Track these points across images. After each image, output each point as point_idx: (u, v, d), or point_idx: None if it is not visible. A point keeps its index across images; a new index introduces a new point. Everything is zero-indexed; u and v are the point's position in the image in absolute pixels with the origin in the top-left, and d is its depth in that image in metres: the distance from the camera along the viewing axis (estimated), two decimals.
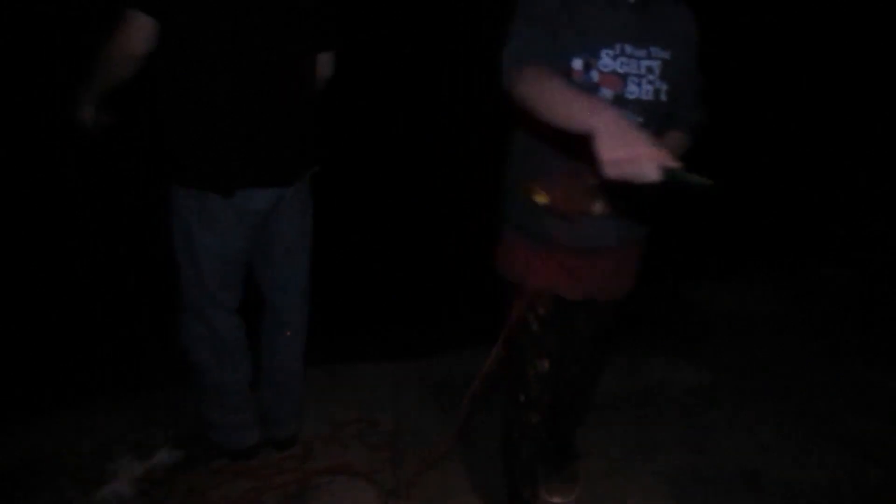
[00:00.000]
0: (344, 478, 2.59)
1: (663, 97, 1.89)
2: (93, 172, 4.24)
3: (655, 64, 1.88)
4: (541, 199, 1.89)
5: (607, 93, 1.83)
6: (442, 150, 5.83)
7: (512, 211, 2.07)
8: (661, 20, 1.90)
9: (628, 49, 1.85)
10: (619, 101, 1.84)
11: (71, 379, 3.16)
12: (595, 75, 1.81)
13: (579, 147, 1.49)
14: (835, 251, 4.96)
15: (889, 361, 3.50)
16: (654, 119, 1.90)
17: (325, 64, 2.50)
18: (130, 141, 2.39)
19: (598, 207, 1.95)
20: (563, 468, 2.61)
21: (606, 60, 1.82)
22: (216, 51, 2.18)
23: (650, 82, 1.87)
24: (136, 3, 2.08)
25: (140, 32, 2.09)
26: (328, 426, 2.88)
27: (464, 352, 3.40)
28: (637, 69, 1.85)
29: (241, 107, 2.24)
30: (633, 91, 1.85)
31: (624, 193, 1.80)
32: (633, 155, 1.38)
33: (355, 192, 5.09)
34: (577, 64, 1.81)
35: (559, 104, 1.53)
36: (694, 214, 3.79)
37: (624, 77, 1.83)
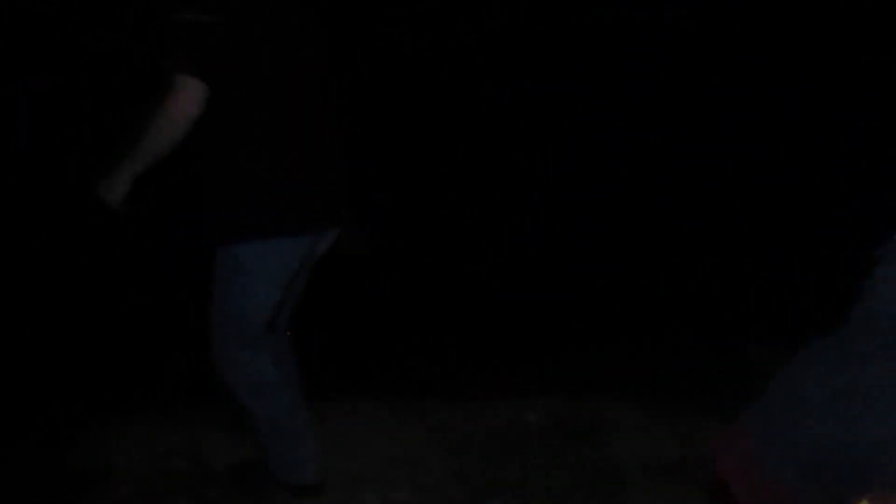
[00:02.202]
0: None
1: None
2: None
3: None
4: None
5: None
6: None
7: None
8: None
9: None
10: None
11: (138, 387, 3.17)
12: None
13: None
14: None
15: None
16: None
17: None
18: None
19: None
20: None
21: None
22: (277, 100, 2.23)
23: None
24: (186, 69, 2.10)
25: (193, 97, 2.11)
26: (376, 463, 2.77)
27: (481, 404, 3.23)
28: None
29: (307, 150, 2.29)
30: None
31: None
32: None
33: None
34: None
35: None
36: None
37: None
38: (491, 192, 5.67)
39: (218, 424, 2.86)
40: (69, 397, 2.99)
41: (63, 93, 4.85)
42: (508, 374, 3.65)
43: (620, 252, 5.01)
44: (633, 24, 5.97)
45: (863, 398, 1.22)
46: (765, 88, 5.73)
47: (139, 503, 2.46)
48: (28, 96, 4.74)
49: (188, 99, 2.11)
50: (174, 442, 2.76)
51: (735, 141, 5.73)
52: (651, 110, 5.87)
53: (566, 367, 3.73)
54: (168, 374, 3.29)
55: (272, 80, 2.22)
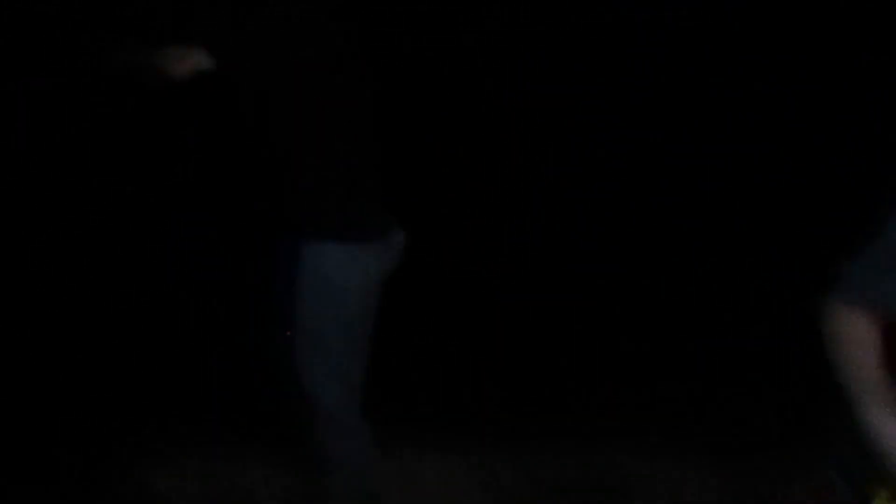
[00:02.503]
0: None
1: None
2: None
3: None
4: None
5: None
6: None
7: None
8: None
9: None
10: None
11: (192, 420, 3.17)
12: None
13: None
14: None
15: None
16: None
17: None
18: None
19: None
20: None
21: None
22: (338, 101, 2.41)
23: None
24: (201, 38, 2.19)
25: (188, 65, 2.19)
26: None
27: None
28: None
29: (370, 145, 2.50)
30: None
31: None
32: None
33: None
34: None
35: None
36: None
37: None
38: (491, 193, 5.65)
39: (274, 461, 2.84)
40: (122, 430, 2.95)
41: (63, 93, 4.81)
42: (531, 411, 3.59)
43: (635, 259, 4.99)
44: (633, 24, 5.98)
45: None
46: (765, 88, 5.74)
47: None
48: (28, 96, 4.70)
49: (182, 65, 2.16)
50: (229, 478, 2.77)
51: (735, 141, 5.74)
52: (651, 110, 5.87)
53: (596, 408, 3.68)
54: (219, 408, 3.24)
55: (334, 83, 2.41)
